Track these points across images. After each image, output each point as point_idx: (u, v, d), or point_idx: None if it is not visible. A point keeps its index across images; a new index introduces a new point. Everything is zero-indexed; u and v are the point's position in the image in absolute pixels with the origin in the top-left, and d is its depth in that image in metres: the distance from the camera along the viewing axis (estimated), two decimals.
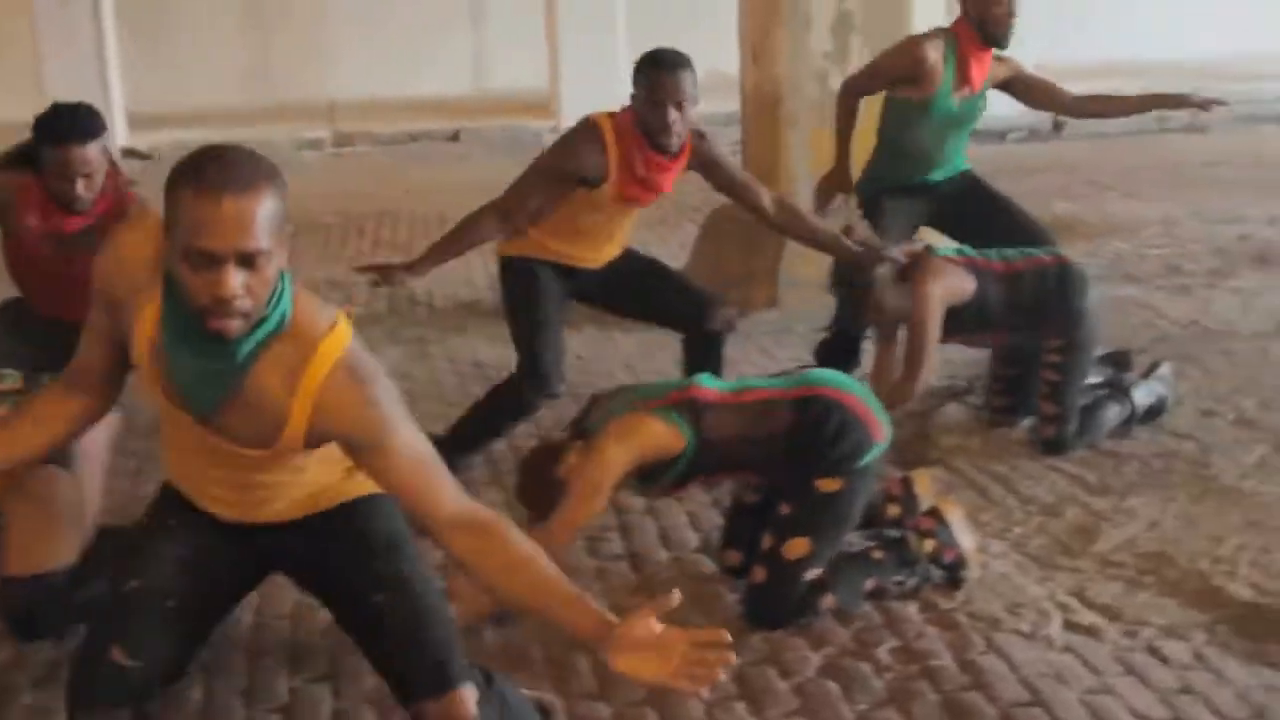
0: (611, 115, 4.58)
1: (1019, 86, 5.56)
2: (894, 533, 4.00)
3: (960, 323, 4.70)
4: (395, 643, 2.92)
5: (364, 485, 2.95)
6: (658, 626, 2.54)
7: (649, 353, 6.10)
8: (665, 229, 8.94)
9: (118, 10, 14.04)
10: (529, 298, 4.71)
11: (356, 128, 14.21)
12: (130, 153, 13.72)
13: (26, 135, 4.47)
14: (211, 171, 2.43)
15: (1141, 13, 14.69)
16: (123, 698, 2.84)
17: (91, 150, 4.39)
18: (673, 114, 4.41)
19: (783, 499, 3.77)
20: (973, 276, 4.71)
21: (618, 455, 3.62)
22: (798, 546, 3.70)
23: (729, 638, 2.54)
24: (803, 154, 6.44)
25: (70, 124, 4.37)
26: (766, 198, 4.79)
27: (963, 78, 5.33)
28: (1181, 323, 6.38)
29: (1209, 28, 14.58)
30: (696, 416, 3.72)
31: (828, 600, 3.75)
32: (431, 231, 9.11)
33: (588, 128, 4.55)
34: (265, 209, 2.45)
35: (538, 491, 3.68)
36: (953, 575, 3.90)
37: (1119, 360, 5.27)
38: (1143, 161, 10.80)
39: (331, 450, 2.79)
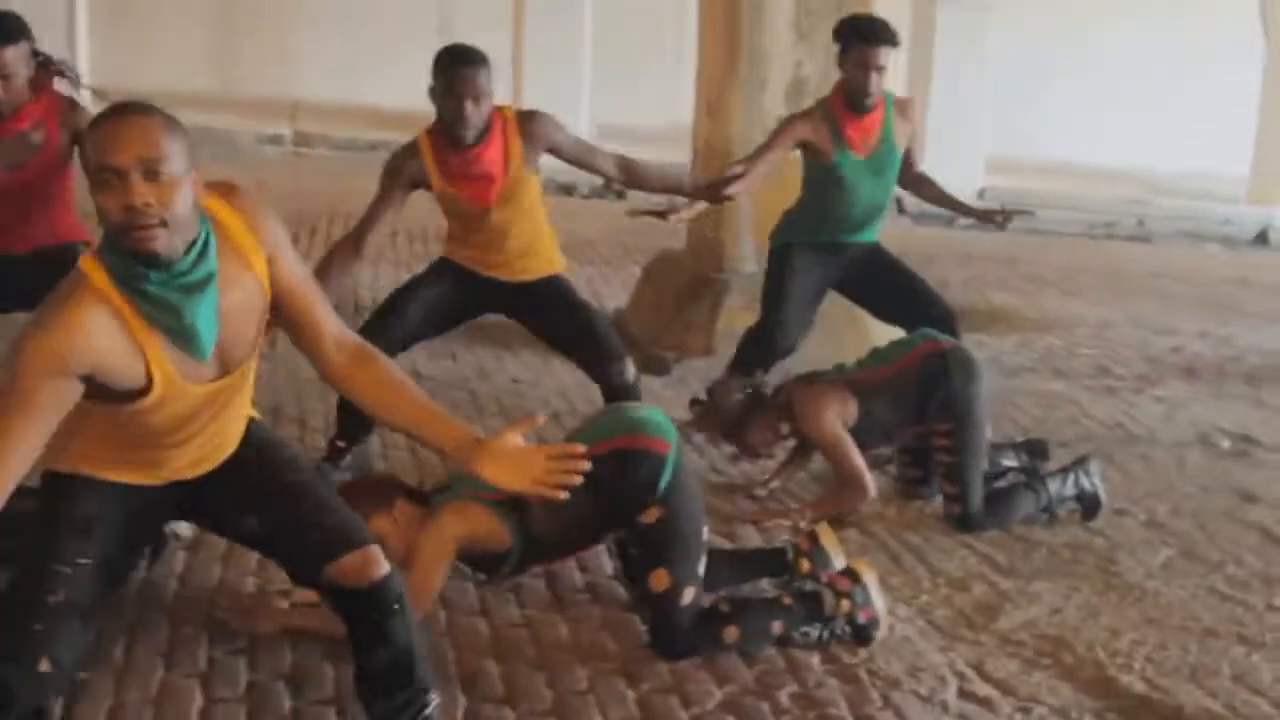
0: (429, 127, 4.88)
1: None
2: (808, 585, 4.13)
3: (856, 441, 4.92)
4: (312, 515, 3.11)
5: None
6: (520, 441, 2.90)
7: (585, 381, 6.21)
8: (609, 269, 9.09)
9: None
10: (423, 282, 5.13)
11: (317, 129, 14.29)
12: None
13: None
14: (116, 108, 2.71)
15: (1105, 119, 15.07)
16: (45, 699, 2.92)
17: (9, 53, 4.55)
18: (468, 107, 4.67)
19: (627, 545, 3.96)
20: (853, 398, 4.91)
21: (453, 531, 3.81)
22: (659, 579, 3.84)
23: (582, 449, 2.93)
24: (748, 210, 6.55)
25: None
26: (608, 160, 5.13)
27: (846, 141, 5.54)
28: (1105, 423, 6.55)
29: (1165, 142, 15.01)
30: (522, 515, 3.89)
31: (731, 633, 3.87)
32: (379, 237, 9.19)
33: (408, 143, 4.92)
34: (166, 130, 2.68)
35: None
36: (862, 635, 4.01)
37: (1036, 449, 5.42)
38: (1085, 263, 11.07)
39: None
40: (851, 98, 5.49)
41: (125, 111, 2.68)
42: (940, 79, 12.20)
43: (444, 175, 4.85)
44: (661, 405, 5.98)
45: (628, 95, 14.61)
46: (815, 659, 3.95)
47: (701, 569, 3.94)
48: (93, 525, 3.02)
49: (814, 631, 3.97)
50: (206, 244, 2.77)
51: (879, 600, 4.01)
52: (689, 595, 3.86)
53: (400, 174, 4.86)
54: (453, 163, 4.82)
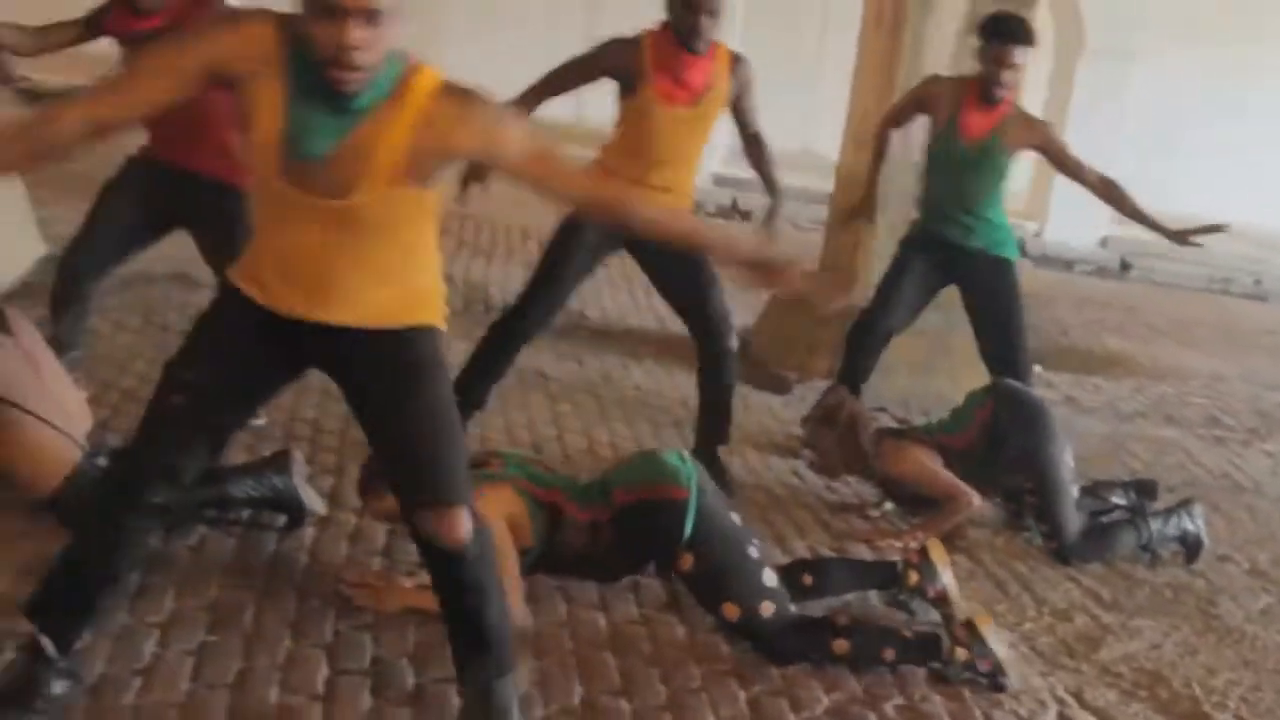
0: (652, 31, 5.08)
1: (1050, 156, 5.92)
2: (930, 629, 4.32)
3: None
4: (415, 456, 3.26)
5: (425, 314, 3.33)
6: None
7: None
8: (734, 287, 9.33)
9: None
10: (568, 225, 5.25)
11: None
12: None
13: None
14: None
15: (1232, 172, 15.04)
16: (159, 494, 3.24)
17: None
18: (704, 20, 4.95)
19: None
20: (939, 456, 5.24)
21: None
22: (730, 611, 4.10)
23: None
24: (887, 238, 6.76)
25: None
26: (753, 129, 5.42)
27: (961, 126, 5.78)
28: (1213, 472, 6.71)
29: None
30: (554, 520, 4.10)
31: (841, 645, 4.09)
32: (513, 239, 9.60)
33: (630, 36, 5.06)
34: None
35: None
36: (994, 682, 4.17)
37: (1144, 488, 5.62)
38: (1201, 316, 11.18)
39: (397, 243, 3.21)
40: (983, 89, 5.72)
41: None
42: (1075, 122, 12.24)
43: (656, 69, 5.02)
44: (781, 423, 6.28)
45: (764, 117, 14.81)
46: (922, 675, 4.18)
47: (767, 579, 4.13)
48: (223, 342, 3.29)
49: (939, 667, 4.17)
50: (375, 85, 2.99)
51: (999, 649, 4.17)
52: (767, 610, 4.08)
53: (610, 56, 5.02)
54: (669, 64, 5.02)
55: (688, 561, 4.08)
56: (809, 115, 10.37)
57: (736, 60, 5.20)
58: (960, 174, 5.83)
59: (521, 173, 3.15)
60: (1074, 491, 5.26)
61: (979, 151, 5.77)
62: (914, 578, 4.48)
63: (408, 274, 3.27)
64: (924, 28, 6.97)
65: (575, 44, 5.38)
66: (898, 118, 6.10)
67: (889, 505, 5.48)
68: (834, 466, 5.40)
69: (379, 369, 3.26)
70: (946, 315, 6.55)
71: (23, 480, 4.08)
